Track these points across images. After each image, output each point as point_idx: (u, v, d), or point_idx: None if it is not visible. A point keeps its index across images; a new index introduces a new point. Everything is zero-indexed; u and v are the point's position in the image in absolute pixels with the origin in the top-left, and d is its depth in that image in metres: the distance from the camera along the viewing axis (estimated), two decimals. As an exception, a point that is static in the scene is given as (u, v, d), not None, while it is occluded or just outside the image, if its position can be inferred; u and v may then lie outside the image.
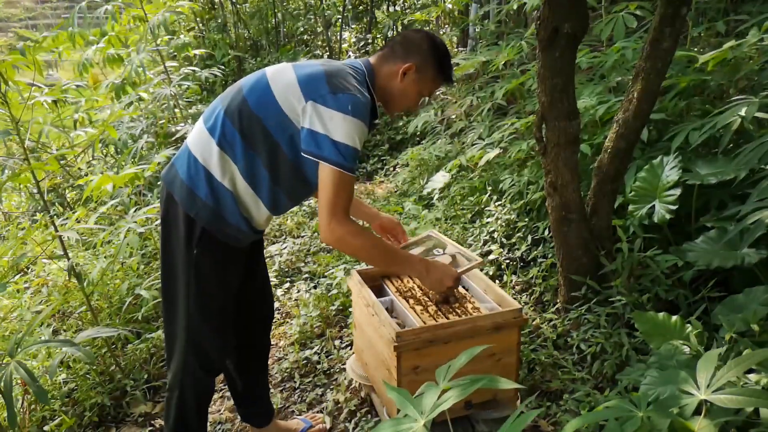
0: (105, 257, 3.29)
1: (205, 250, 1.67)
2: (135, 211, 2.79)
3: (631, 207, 2.38)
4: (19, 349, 1.80)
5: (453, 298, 2.07)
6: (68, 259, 2.46)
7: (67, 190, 4.53)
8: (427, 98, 1.86)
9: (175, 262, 1.72)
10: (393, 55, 1.74)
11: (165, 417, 1.88)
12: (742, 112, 2.13)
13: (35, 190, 2.42)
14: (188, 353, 1.77)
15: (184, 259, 1.69)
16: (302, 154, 1.58)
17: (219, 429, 2.35)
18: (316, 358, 2.67)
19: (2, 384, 1.69)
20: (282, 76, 1.64)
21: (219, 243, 1.68)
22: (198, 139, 1.69)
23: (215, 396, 2.56)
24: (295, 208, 4.52)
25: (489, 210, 3.33)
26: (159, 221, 1.83)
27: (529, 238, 2.99)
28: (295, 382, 2.56)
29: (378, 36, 7.20)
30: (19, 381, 2.20)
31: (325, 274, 3.33)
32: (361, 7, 7.67)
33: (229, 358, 2.04)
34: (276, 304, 3.12)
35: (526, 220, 3.07)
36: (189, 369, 1.78)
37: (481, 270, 2.89)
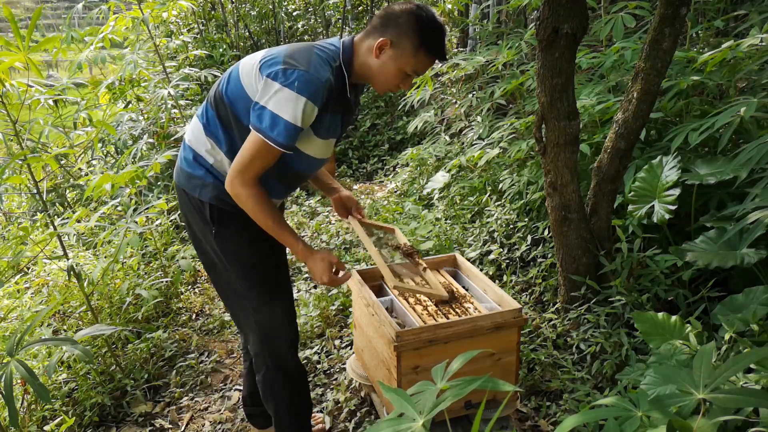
0: (105, 257, 3.29)
1: (222, 225, 1.72)
2: (134, 210, 2.79)
3: (630, 207, 2.38)
4: (18, 348, 1.80)
5: (453, 299, 2.07)
6: (68, 258, 2.46)
7: (67, 190, 4.53)
8: (418, 76, 1.78)
9: (206, 249, 1.80)
10: (373, 31, 1.67)
11: (265, 400, 1.96)
12: (741, 112, 2.14)
13: (34, 191, 2.41)
14: (261, 331, 1.82)
15: (211, 243, 1.75)
16: (249, 127, 1.59)
17: (219, 429, 2.35)
18: (316, 357, 2.68)
19: (2, 383, 1.68)
20: (249, 61, 1.66)
21: (232, 215, 1.72)
22: (192, 128, 1.79)
23: (215, 396, 2.57)
24: (294, 208, 4.53)
25: (489, 210, 3.33)
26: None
27: (529, 238, 2.99)
28: (295, 381, 2.56)
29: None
30: (18, 380, 2.19)
31: (325, 274, 3.33)
32: (361, 7, 7.66)
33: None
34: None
35: (526, 220, 3.07)
36: (266, 347, 1.84)
37: (481, 270, 2.90)
